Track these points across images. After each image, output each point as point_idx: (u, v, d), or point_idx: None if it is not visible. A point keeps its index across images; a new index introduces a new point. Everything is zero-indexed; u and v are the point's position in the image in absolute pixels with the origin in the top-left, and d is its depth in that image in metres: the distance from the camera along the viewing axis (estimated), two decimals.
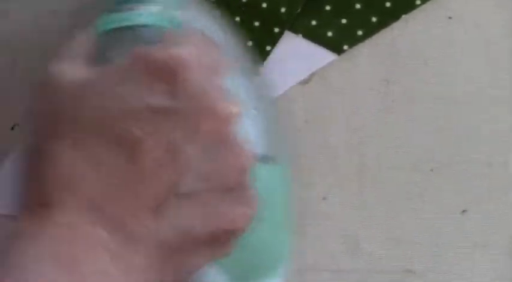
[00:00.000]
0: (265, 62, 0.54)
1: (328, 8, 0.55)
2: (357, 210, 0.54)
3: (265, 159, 0.43)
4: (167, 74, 0.35)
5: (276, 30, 0.55)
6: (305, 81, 0.55)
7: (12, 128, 0.53)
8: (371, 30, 0.55)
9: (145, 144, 0.34)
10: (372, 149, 0.54)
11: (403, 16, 0.55)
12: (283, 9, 0.55)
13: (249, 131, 0.41)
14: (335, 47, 0.55)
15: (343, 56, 0.55)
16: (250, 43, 0.54)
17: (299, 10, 0.55)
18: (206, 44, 0.39)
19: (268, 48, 0.55)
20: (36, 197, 0.35)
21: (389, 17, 0.55)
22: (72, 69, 0.37)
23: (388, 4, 0.55)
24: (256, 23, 0.55)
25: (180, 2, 0.45)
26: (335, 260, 0.54)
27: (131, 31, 0.41)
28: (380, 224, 0.54)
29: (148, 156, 0.34)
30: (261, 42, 0.55)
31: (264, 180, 0.41)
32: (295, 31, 0.55)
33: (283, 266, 0.49)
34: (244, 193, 0.37)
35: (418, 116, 0.54)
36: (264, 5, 0.55)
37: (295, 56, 0.55)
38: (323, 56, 0.55)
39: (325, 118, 0.55)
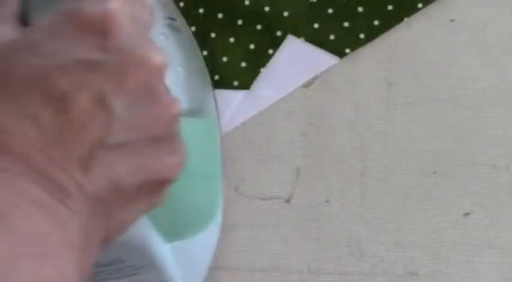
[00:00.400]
0: (267, 66, 0.55)
1: (330, 11, 0.55)
2: (360, 213, 0.54)
3: (190, 112, 0.43)
4: (96, 29, 0.36)
5: (279, 33, 0.55)
6: (307, 85, 0.55)
7: None
8: (373, 34, 0.55)
9: (73, 97, 0.35)
10: (375, 152, 0.54)
11: (405, 19, 0.55)
12: (286, 13, 0.55)
13: (174, 84, 0.42)
14: (337, 50, 0.55)
15: (345, 59, 0.55)
16: (251, 46, 0.55)
17: (302, 14, 0.55)
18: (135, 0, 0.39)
19: (270, 51, 0.55)
20: None
21: (391, 20, 0.55)
22: (0, 30, 0.38)
23: (390, 7, 0.55)
24: (259, 27, 0.55)
25: None
26: (338, 263, 0.54)
27: None
28: (383, 227, 0.54)
29: (75, 109, 0.35)
30: (263, 45, 0.55)
31: (191, 133, 0.41)
32: (298, 34, 0.55)
33: (213, 219, 0.49)
34: (174, 143, 0.38)
35: (421, 119, 0.54)
36: (267, 8, 0.55)
37: (298, 59, 0.55)
38: (325, 59, 0.55)
39: (328, 121, 0.55)
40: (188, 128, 0.41)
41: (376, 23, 0.55)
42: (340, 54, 0.55)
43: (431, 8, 0.55)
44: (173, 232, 0.47)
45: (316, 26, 0.55)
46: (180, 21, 0.51)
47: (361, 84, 0.55)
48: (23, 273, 0.32)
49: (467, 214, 0.54)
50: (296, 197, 0.54)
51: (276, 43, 0.55)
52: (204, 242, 0.49)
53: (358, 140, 0.54)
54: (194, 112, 0.45)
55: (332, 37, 0.55)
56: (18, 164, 0.34)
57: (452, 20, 0.55)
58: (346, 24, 0.55)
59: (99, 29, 0.36)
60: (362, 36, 0.55)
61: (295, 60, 0.55)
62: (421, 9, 0.55)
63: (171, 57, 0.41)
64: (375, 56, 0.55)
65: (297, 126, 0.55)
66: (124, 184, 0.36)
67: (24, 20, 0.40)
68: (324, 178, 0.54)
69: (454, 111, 0.55)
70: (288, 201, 0.54)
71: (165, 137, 0.38)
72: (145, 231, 0.45)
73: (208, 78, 0.52)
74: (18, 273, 0.32)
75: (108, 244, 0.38)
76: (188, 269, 0.48)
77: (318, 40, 0.55)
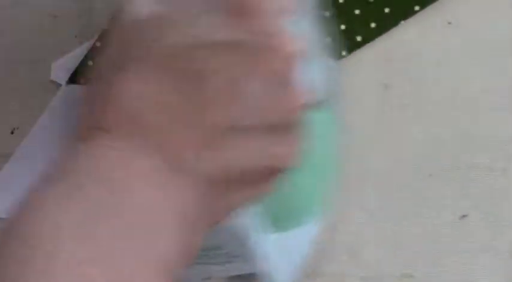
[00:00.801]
0: None
1: (327, 13, 0.55)
2: (356, 215, 0.54)
3: (322, 105, 0.43)
4: (237, 10, 0.36)
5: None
6: None
7: (12, 132, 0.54)
8: (370, 36, 0.55)
9: (208, 77, 0.35)
10: (371, 154, 0.54)
11: (402, 22, 0.55)
12: None
13: (312, 74, 0.41)
14: (334, 53, 0.55)
15: (341, 61, 0.55)
16: None
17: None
18: None
19: None
20: (95, 120, 0.36)
21: (388, 23, 0.55)
22: (141, 4, 0.38)
23: (386, 10, 0.55)
24: None
25: None
26: (334, 265, 0.54)
27: None
28: (379, 229, 0.54)
29: (209, 88, 0.35)
30: None
31: (317, 125, 0.41)
32: None
33: (319, 214, 0.48)
34: (295, 133, 0.38)
35: (417, 122, 0.55)
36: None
37: None
38: None
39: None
40: (316, 120, 0.40)
41: (372, 25, 0.55)
42: (337, 56, 0.55)
43: (428, 11, 0.55)
44: (275, 222, 0.46)
45: None
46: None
47: (357, 87, 0.55)
48: (140, 247, 0.33)
49: (463, 216, 0.54)
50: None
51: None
52: (304, 236, 0.49)
53: (355, 143, 0.54)
54: (325, 104, 0.44)
55: (329, 40, 0.55)
56: (145, 138, 0.35)
57: (449, 23, 0.55)
58: (342, 26, 0.55)
59: (241, 9, 0.36)
60: (359, 38, 0.55)
61: None
62: (417, 12, 0.55)
63: (312, 45, 0.41)
64: (371, 59, 0.55)
65: None
66: (239, 168, 0.36)
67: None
68: None
69: (450, 114, 0.55)
70: None
71: (287, 126, 0.37)
72: (246, 219, 0.45)
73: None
74: (135, 248, 0.33)
75: (211, 227, 0.38)
76: (285, 264, 0.48)
77: None
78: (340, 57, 0.55)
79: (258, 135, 0.36)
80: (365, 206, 0.54)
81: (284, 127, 0.37)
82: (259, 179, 0.37)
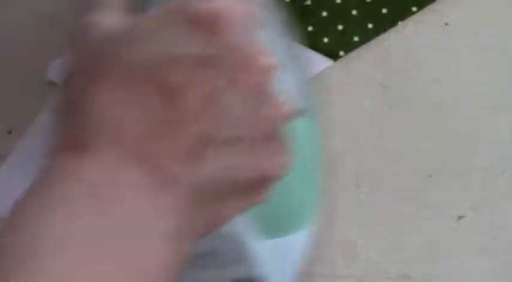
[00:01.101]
0: None
1: (324, 14, 0.55)
2: (354, 216, 0.54)
3: (302, 112, 0.43)
4: (208, 25, 0.36)
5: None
6: None
7: (9, 132, 0.54)
8: (367, 37, 0.55)
9: (185, 91, 0.35)
10: (369, 155, 0.54)
11: (399, 22, 0.55)
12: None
13: (287, 84, 0.41)
14: (331, 53, 0.55)
15: (339, 62, 0.55)
16: None
17: (296, 16, 0.55)
18: None
19: None
20: (72, 139, 0.35)
21: (385, 24, 0.55)
22: (111, 17, 0.38)
23: (384, 11, 0.55)
24: None
25: None
26: (332, 266, 0.53)
27: None
28: (377, 230, 0.54)
29: (188, 102, 0.35)
30: None
31: (300, 133, 0.41)
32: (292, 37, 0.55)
33: (311, 219, 0.48)
34: (280, 143, 0.38)
35: (414, 122, 0.55)
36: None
37: None
38: (319, 62, 0.55)
39: (322, 124, 0.55)
40: (297, 128, 0.40)
41: (370, 26, 0.55)
42: (334, 57, 0.55)
43: (425, 12, 0.55)
44: (268, 229, 0.47)
45: (310, 28, 0.55)
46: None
47: (355, 87, 0.55)
48: (128, 258, 0.33)
49: (461, 217, 0.54)
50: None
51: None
52: (298, 242, 0.49)
53: (352, 143, 0.54)
54: (304, 112, 0.45)
55: (326, 40, 0.55)
56: (126, 151, 0.35)
57: (446, 24, 0.55)
58: (340, 27, 0.55)
59: (211, 24, 0.36)
60: (356, 39, 0.55)
61: None
62: (415, 12, 0.55)
63: (283, 54, 0.41)
64: (368, 59, 0.55)
65: None
66: (226, 180, 0.36)
67: (134, 9, 0.40)
68: None
69: (447, 115, 0.55)
70: None
71: (272, 137, 0.37)
72: (241, 226, 0.45)
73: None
74: (123, 258, 0.33)
75: (203, 237, 0.38)
76: (281, 268, 0.48)
77: (312, 43, 0.55)
78: (338, 57, 0.55)
79: (242, 147, 0.36)
80: (362, 205, 0.54)
81: (267, 138, 0.37)
82: (249, 189, 0.37)
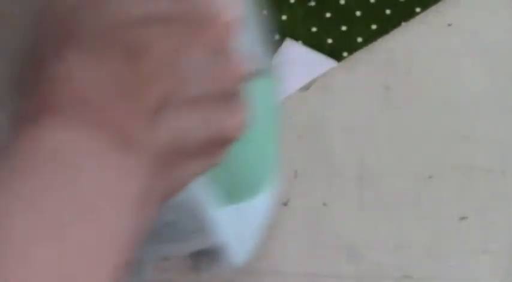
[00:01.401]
0: None
1: (328, 15, 0.55)
2: (356, 217, 0.54)
3: (260, 72, 0.43)
4: None
5: (276, 36, 0.55)
6: (305, 88, 0.55)
7: None
8: (371, 38, 0.55)
9: (146, 50, 0.35)
10: (371, 156, 0.55)
11: (403, 23, 0.55)
12: (284, 17, 0.55)
13: (248, 42, 0.41)
14: (335, 54, 0.55)
15: (342, 62, 0.55)
16: None
17: (300, 17, 0.55)
18: None
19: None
20: (40, 101, 0.35)
21: (389, 25, 0.55)
22: None
23: (388, 12, 0.55)
24: None
25: None
26: (334, 266, 0.54)
27: None
28: (379, 231, 0.54)
29: (148, 61, 0.35)
30: None
31: (258, 92, 0.41)
32: (296, 38, 0.55)
33: (271, 181, 0.48)
34: (239, 102, 0.38)
35: (417, 123, 0.55)
36: (265, 12, 0.55)
37: (296, 62, 0.55)
38: (323, 62, 0.55)
39: (325, 124, 0.55)
40: (255, 88, 0.40)
41: (373, 27, 0.55)
42: (338, 57, 0.55)
43: (428, 13, 0.55)
44: (228, 194, 0.46)
45: (314, 29, 0.55)
46: None
47: (358, 88, 0.55)
48: (93, 226, 0.33)
49: (462, 218, 0.54)
50: (293, 200, 0.54)
51: (274, 46, 0.55)
52: (259, 206, 0.48)
53: (355, 144, 0.55)
54: (261, 72, 0.44)
55: (330, 41, 0.55)
56: (86, 112, 0.34)
57: (449, 25, 0.55)
58: (344, 28, 0.55)
59: None
60: (360, 40, 0.55)
61: (293, 64, 0.55)
62: (418, 13, 0.55)
63: (244, 13, 0.41)
64: (372, 60, 0.55)
65: (295, 129, 0.55)
66: (186, 140, 0.36)
67: None
68: (321, 181, 0.54)
69: (450, 116, 0.55)
70: (285, 204, 0.54)
71: (231, 96, 0.37)
72: (199, 193, 0.44)
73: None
74: (88, 226, 0.33)
75: (164, 203, 0.38)
76: (242, 234, 0.48)
77: (315, 44, 0.55)
78: (341, 58, 0.55)
79: (202, 106, 0.36)
80: (365, 206, 0.54)
81: (227, 97, 0.37)
82: (208, 150, 0.37)
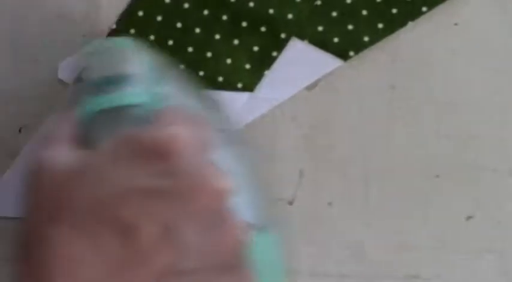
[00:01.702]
0: (271, 68, 0.55)
1: (334, 14, 0.55)
2: (362, 216, 0.54)
3: (260, 229, 0.42)
4: (158, 155, 0.36)
5: (283, 36, 0.55)
6: (311, 87, 0.55)
7: (20, 131, 0.54)
8: (377, 37, 0.55)
9: (139, 228, 0.35)
10: (378, 155, 0.55)
11: (410, 22, 0.55)
12: (290, 16, 0.55)
13: (242, 203, 0.41)
14: (341, 53, 0.55)
15: (349, 62, 0.55)
16: (255, 48, 0.55)
17: (306, 16, 0.55)
18: (192, 121, 0.39)
19: (274, 53, 0.55)
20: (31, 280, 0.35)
21: (395, 24, 0.55)
22: (61, 155, 0.38)
23: (394, 11, 0.55)
24: (263, 29, 0.55)
25: (160, 78, 0.45)
26: (340, 266, 0.54)
27: (115, 112, 0.41)
28: (385, 230, 0.54)
29: (142, 239, 0.35)
30: (267, 47, 0.55)
31: (261, 250, 0.40)
32: (302, 37, 0.55)
33: None
34: (241, 269, 0.37)
35: (423, 122, 0.55)
36: (271, 11, 0.55)
37: (301, 61, 0.55)
38: (329, 62, 0.55)
39: (331, 124, 0.55)
40: (258, 245, 0.40)
41: (380, 26, 0.55)
42: (344, 57, 0.55)
43: (435, 12, 0.55)
44: None
45: (320, 28, 0.55)
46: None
47: (364, 87, 0.55)
48: None
49: (469, 217, 0.54)
50: (299, 199, 0.54)
51: (280, 45, 0.55)
52: None
53: (361, 143, 0.55)
54: (263, 228, 0.44)
55: (336, 40, 0.55)
56: None
57: (456, 24, 0.55)
58: (350, 27, 0.55)
59: (161, 154, 0.36)
60: (366, 39, 0.55)
61: (299, 63, 0.55)
62: (425, 13, 0.55)
63: (235, 172, 0.40)
64: (378, 59, 0.55)
65: (300, 129, 0.55)
66: None
67: (84, 142, 0.40)
68: (327, 181, 0.54)
69: (456, 115, 0.55)
70: (290, 203, 0.54)
71: (232, 264, 0.37)
72: None
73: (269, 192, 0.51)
74: None
75: None
76: None
77: (322, 43, 0.55)
78: (348, 57, 0.55)
79: (206, 276, 0.36)
80: (371, 206, 0.54)
81: (231, 265, 0.37)
82: None
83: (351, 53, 0.55)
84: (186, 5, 0.55)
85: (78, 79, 0.53)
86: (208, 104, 0.47)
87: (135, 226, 0.35)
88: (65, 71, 0.54)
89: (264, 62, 0.55)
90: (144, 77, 0.43)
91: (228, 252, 0.37)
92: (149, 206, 0.35)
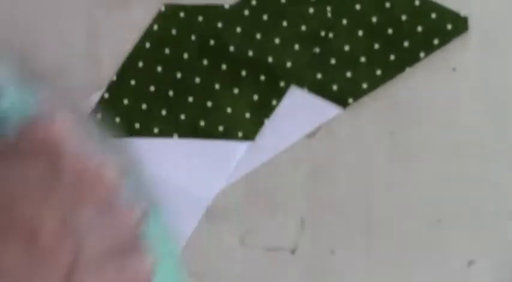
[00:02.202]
0: (271, 116, 0.55)
1: (333, 61, 0.55)
2: (364, 264, 0.54)
3: (150, 207, 0.44)
4: (48, 149, 0.37)
5: (282, 84, 0.55)
6: (311, 135, 0.55)
7: None
8: (376, 83, 0.55)
9: (39, 226, 0.35)
10: (379, 201, 0.55)
11: (407, 68, 0.55)
12: (289, 64, 0.55)
13: (130, 186, 0.42)
14: (340, 100, 0.55)
15: (348, 108, 0.55)
16: (255, 97, 0.55)
17: (305, 64, 0.55)
18: (69, 116, 0.40)
19: (274, 102, 0.55)
20: None
21: (393, 70, 0.55)
22: None
23: (392, 57, 0.55)
24: (263, 77, 0.55)
25: (29, 86, 0.46)
26: None
27: None
28: (387, 275, 0.54)
29: (44, 234, 0.36)
30: (267, 96, 0.55)
31: (153, 225, 0.42)
32: (301, 84, 0.55)
33: None
34: (141, 249, 0.38)
35: (423, 167, 0.55)
36: (270, 59, 0.55)
37: (301, 109, 0.55)
38: (329, 109, 0.55)
39: (332, 171, 0.55)
40: (150, 223, 0.42)
41: (378, 72, 0.55)
42: (343, 104, 0.55)
43: (432, 58, 0.55)
44: None
45: (319, 76, 0.55)
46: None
47: (364, 134, 0.55)
48: None
49: (471, 262, 0.54)
50: (301, 248, 0.54)
51: (280, 94, 0.55)
52: None
53: (362, 190, 0.55)
54: (151, 207, 0.46)
55: (335, 87, 0.55)
56: None
57: (453, 69, 0.55)
58: (348, 74, 0.55)
59: (51, 149, 0.37)
60: (365, 86, 0.55)
61: (299, 111, 0.55)
62: (423, 58, 0.55)
63: (121, 160, 0.42)
64: (377, 106, 0.55)
65: (301, 177, 0.55)
66: None
67: None
68: (329, 228, 0.55)
69: (457, 160, 0.55)
70: (293, 252, 0.54)
71: (133, 245, 0.38)
72: None
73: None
74: None
75: None
76: None
77: (321, 90, 0.55)
78: (347, 104, 0.55)
79: (110, 262, 0.37)
80: (373, 252, 0.54)
81: (132, 247, 0.38)
82: None
83: (350, 100, 0.55)
84: (186, 56, 0.55)
85: None
86: (108, 145, 0.48)
87: (33, 227, 0.36)
88: None
89: (264, 110, 0.55)
90: (12, 86, 0.44)
91: (126, 233, 0.38)
92: (43, 203, 0.36)
